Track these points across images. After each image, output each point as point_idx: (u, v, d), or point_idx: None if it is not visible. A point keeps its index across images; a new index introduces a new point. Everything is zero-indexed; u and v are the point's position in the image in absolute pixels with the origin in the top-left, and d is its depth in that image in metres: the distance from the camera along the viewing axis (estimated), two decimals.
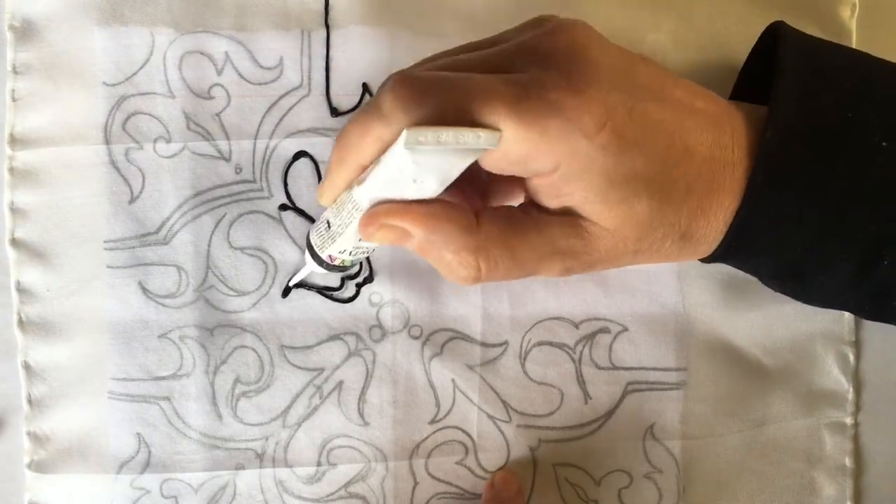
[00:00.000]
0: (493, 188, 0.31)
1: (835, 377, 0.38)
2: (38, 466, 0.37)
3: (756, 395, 0.38)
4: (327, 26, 0.37)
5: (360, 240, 0.29)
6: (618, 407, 0.38)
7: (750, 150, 0.28)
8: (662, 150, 0.27)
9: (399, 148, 0.25)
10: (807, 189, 0.28)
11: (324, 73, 0.37)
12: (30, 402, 0.37)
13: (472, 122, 0.25)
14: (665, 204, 0.28)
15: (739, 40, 0.37)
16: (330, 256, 0.31)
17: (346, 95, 0.37)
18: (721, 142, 0.28)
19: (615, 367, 0.38)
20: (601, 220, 0.28)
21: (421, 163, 0.25)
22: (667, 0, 0.37)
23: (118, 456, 0.37)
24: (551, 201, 0.28)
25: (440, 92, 0.26)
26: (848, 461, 0.38)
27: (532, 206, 0.29)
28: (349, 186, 0.29)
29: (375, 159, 0.27)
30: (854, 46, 0.38)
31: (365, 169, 0.28)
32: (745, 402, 0.38)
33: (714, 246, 0.30)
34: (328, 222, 0.30)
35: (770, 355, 0.38)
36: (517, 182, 0.30)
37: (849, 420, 0.38)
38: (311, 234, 0.32)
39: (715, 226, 0.29)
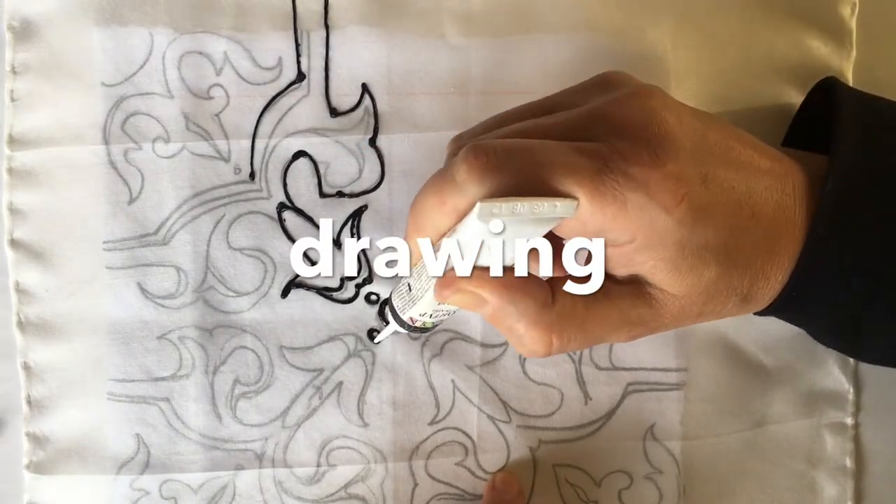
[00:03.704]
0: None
1: (835, 377, 0.38)
2: (37, 467, 0.37)
3: (756, 396, 0.38)
4: (327, 26, 0.37)
5: (439, 304, 0.29)
6: (618, 407, 0.38)
7: (809, 207, 0.28)
8: (732, 217, 0.27)
9: (473, 219, 0.25)
10: (865, 242, 0.28)
11: (323, 73, 0.37)
12: (29, 402, 0.37)
13: (549, 194, 0.25)
14: (731, 270, 0.28)
15: (740, 39, 0.37)
16: (411, 318, 0.31)
17: (345, 96, 0.37)
18: (784, 203, 0.28)
19: (615, 368, 0.38)
20: (670, 288, 0.28)
21: (496, 233, 0.25)
22: (667, 0, 0.37)
23: (117, 457, 0.37)
24: (621, 269, 0.28)
25: (516, 163, 0.25)
26: (848, 461, 0.38)
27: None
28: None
29: (453, 227, 0.27)
30: (854, 46, 0.38)
31: (442, 236, 0.28)
32: (746, 403, 0.38)
33: (770, 301, 0.30)
34: (409, 285, 0.30)
35: (770, 355, 0.38)
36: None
37: (849, 420, 0.38)
38: (392, 295, 0.32)
39: (774, 286, 0.29)
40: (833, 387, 0.38)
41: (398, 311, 0.31)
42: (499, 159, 0.25)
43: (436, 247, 0.28)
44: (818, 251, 0.28)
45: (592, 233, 0.26)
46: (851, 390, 0.38)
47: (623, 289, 0.28)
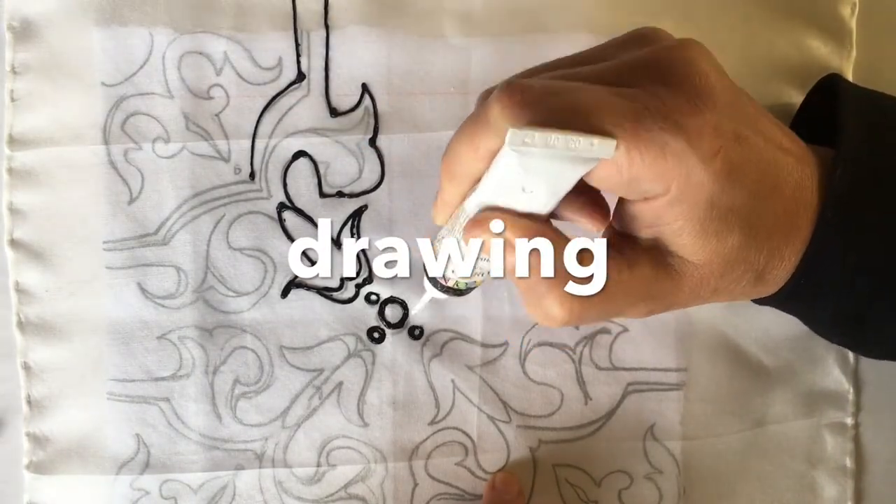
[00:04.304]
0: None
1: (835, 377, 0.38)
2: (37, 467, 0.37)
3: (756, 396, 0.38)
4: (327, 27, 0.37)
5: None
6: (618, 407, 0.38)
7: (821, 195, 0.28)
8: (758, 183, 0.27)
9: (505, 150, 0.24)
10: (874, 230, 0.28)
11: (323, 73, 0.37)
12: (29, 402, 0.37)
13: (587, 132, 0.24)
14: (752, 240, 0.27)
15: (740, 39, 0.37)
16: (445, 276, 0.29)
17: (345, 96, 0.37)
18: (802, 183, 0.28)
19: (615, 368, 0.38)
20: (692, 254, 0.27)
21: (529, 168, 0.24)
22: (667, 0, 0.37)
23: (117, 457, 0.37)
24: (646, 230, 0.28)
25: (552, 101, 0.24)
26: (849, 461, 0.38)
27: (621, 241, 0.28)
28: (461, 204, 0.28)
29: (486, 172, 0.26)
30: (854, 45, 0.38)
31: (476, 182, 0.27)
32: (746, 403, 0.38)
33: (780, 285, 0.30)
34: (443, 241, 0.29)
35: (770, 355, 0.38)
36: (600, 213, 0.29)
37: (849, 420, 0.38)
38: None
39: (787, 267, 0.29)
40: (833, 387, 0.38)
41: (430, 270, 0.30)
42: (535, 96, 0.24)
43: (468, 193, 0.27)
44: (827, 238, 0.28)
45: (627, 180, 0.25)
46: (851, 390, 0.38)
47: (644, 258, 0.28)
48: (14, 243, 0.37)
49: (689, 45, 0.27)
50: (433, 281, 0.30)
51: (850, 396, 0.38)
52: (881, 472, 0.39)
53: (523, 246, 0.26)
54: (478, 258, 0.28)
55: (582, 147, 0.23)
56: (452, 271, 0.29)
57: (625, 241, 0.28)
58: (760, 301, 0.32)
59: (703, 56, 0.27)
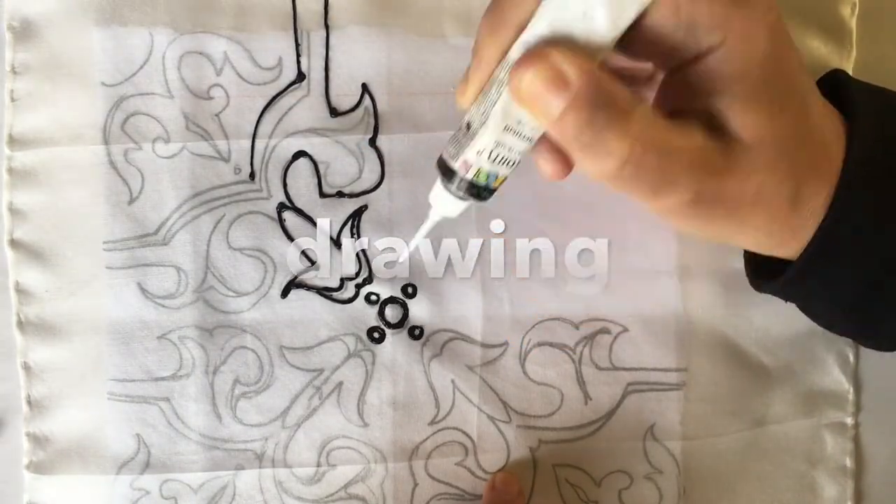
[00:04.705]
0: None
1: (835, 377, 0.38)
2: (37, 467, 0.37)
3: (756, 396, 0.38)
4: (327, 26, 0.37)
5: (505, 129, 0.25)
6: (618, 407, 0.38)
7: (843, 155, 0.28)
8: (798, 76, 0.27)
9: None
10: (891, 199, 0.28)
11: (323, 73, 0.37)
12: (29, 402, 0.37)
13: None
14: (793, 134, 0.27)
15: None
16: (465, 162, 0.26)
17: (345, 96, 0.37)
18: (829, 139, 0.28)
19: (615, 368, 0.38)
20: (742, 128, 0.26)
21: None
22: None
23: (118, 457, 0.37)
24: (698, 99, 0.27)
25: None
26: (848, 461, 0.38)
27: (675, 117, 0.27)
28: (500, 62, 0.25)
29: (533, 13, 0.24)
30: (854, 46, 0.38)
31: (519, 34, 0.25)
32: (746, 403, 0.38)
33: (794, 254, 0.29)
34: (468, 124, 0.26)
35: (770, 355, 0.38)
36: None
37: (849, 420, 0.38)
38: (445, 148, 0.27)
39: (814, 208, 0.28)
40: (833, 387, 0.38)
41: (449, 160, 0.26)
42: None
43: (503, 63, 0.25)
44: (847, 200, 0.28)
45: (684, 25, 0.25)
46: (851, 390, 0.38)
47: (697, 127, 0.27)
48: (14, 243, 0.37)
49: None
50: (448, 176, 0.27)
51: (850, 396, 0.38)
52: (881, 472, 0.39)
53: (581, 80, 0.24)
54: (509, 130, 0.25)
55: None
56: (479, 153, 0.26)
57: (676, 116, 0.27)
58: (767, 289, 0.31)
59: None
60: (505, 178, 0.27)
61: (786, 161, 0.27)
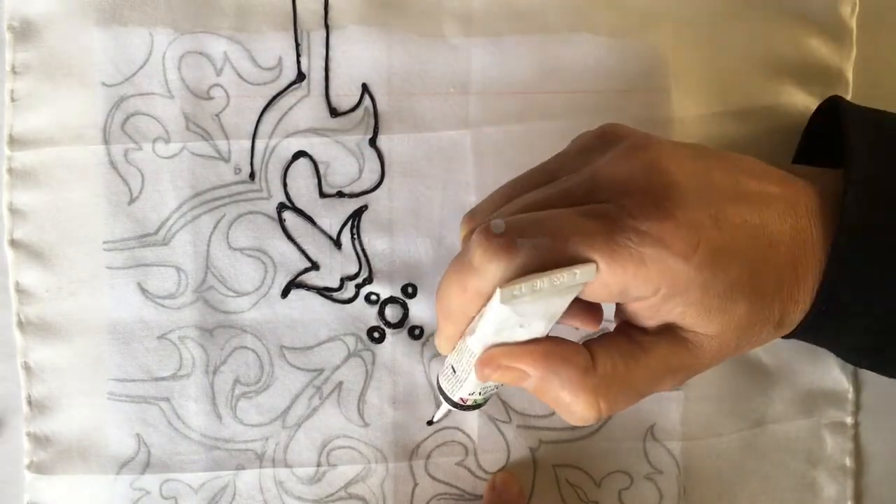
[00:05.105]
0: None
1: (835, 377, 0.38)
2: (37, 467, 0.37)
3: (756, 395, 0.38)
4: (327, 26, 0.37)
5: (485, 382, 0.29)
6: None
7: (825, 224, 0.28)
8: (751, 251, 0.27)
9: (496, 304, 0.25)
10: (890, 249, 0.28)
11: (323, 73, 0.37)
12: (29, 402, 0.37)
13: (567, 263, 0.25)
14: (760, 301, 0.28)
15: (740, 39, 0.37)
16: (462, 399, 0.31)
17: (345, 96, 0.37)
18: (800, 225, 0.28)
19: None
20: (703, 329, 0.28)
21: (522, 313, 0.26)
22: (667, 0, 0.37)
23: (118, 457, 0.37)
24: (650, 321, 0.28)
25: (528, 239, 0.26)
26: (848, 461, 0.38)
27: (632, 328, 0.29)
28: (463, 335, 0.29)
29: (480, 310, 0.27)
30: (854, 45, 0.38)
31: (472, 318, 0.28)
32: (746, 402, 0.38)
33: (801, 322, 0.30)
34: (452, 368, 0.30)
35: (770, 355, 0.38)
36: (593, 315, 0.30)
37: (849, 420, 0.38)
38: (440, 379, 0.31)
39: (804, 307, 0.29)
40: (833, 386, 0.38)
41: (448, 393, 0.31)
42: (511, 237, 0.26)
43: (468, 329, 0.28)
44: (844, 260, 0.28)
45: (616, 292, 0.26)
46: (851, 390, 0.38)
47: (659, 339, 0.28)
48: (14, 243, 0.37)
49: (645, 144, 0.28)
50: (452, 402, 0.31)
51: (850, 396, 0.38)
52: (881, 471, 0.39)
53: (536, 371, 0.27)
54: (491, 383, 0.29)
55: (566, 280, 0.25)
56: (470, 394, 0.30)
57: (635, 328, 0.29)
58: (787, 336, 0.32)
59: (661, 153, 0.27)
60: (499, 388, 0.31)
61: (756, 324, 0.28)
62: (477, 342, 0.28)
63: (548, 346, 0.27)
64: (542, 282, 0.25)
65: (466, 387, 0.30)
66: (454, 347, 0.30)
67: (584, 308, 0.29)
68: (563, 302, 0.26)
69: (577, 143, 0.30)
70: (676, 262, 0.26)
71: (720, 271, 0.26)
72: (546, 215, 0.26)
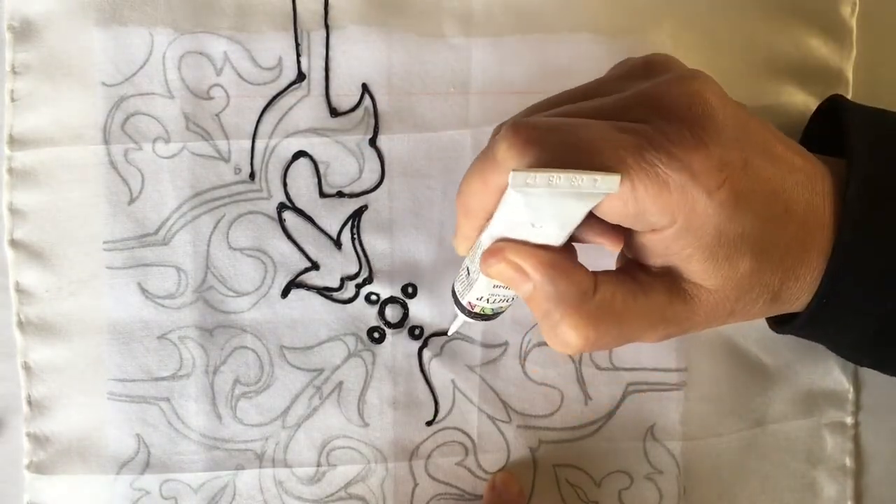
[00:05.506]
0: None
1: (835, 377, 0.38)
2: (37, 467, 0.37)
3: (756, 395, 0.38)
4: (327, 26, 0.37)
5: (494, 287, 0.29)
6: (618, 408, 0.38)
7: (835, 209, 0.28)
8: (767, 208, 0.27)
9: (509, 190, 0.24)
10: (893, 245, 0.28)
11: (323, 73, 0.37)
12: (29, 402, 0.37)
13: (591, 169, 0.24)
14: (764, 264, 0.28)
15: (740, 39, 0.37)
16: (470, 304, 0.30)
17: (345, 96, 0.37)
18: (815, 202, 0.28)
19: (615, 368, 0.38)
20: (704, 280, 0.28)
21: (535, 206, 0.25)
22: (667, 0, 0.37)
23: (118, 456, 0.37)
24: (656, 259, 0.28)
25: (557, 138, 0.25)
26: (848, 461, 0.38)
27: (635, 268, 0.29)
28: (480, 234, 0.29)
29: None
30: (854, 44, 0.38)
31: (491, 216, 0.28)
32: (746, 402, 0.38)
33: (800, 306, 0.30)
34: (467, 269, 0.30)
35: (770, 355, 0.38)
36: (615, 234, 0.29)
37: (849, 420, 0.38)
38: (455, 283, 0.31)
39: (803, 287, 0.29)
40: (833, 386, 0.38)
41: (459, 296, 0.30)
42: (539, 134, 0.25)
43: (485, 226, 0.28)
44: (848, 255, 0.28)
45: (633, 214, 0.26)
46: (851, 390, 0.38)
47: (658, 284, 0.28)
48: (14, 243, 0.37)
49: (694, 76, 0.27)
50: (460, 308, 0.31)
51: (850, 396, 0.38)
52: (881, 471, 0.39)
53: (537, 275, 0.27)
54: (498, 286, 0.29)
55: (585, 184, 0.24)
56: (478, 299, 0.30)
57: (638, 267, 0.29)
58: (782, 330, 0.32)
59: (708, 88, 0.27)
60: (508, 306, 0.31)
61: (756, 287, 0.28)
62: (488, 237, 0.27)
63: (555, 256, 0.27)
64: (560, 178, 0.24)
65: (476, 289, 0.29)
66: (470, 249, 0.29)
67: (605, 227, 0.29)
68: (580, 209, 0.25)
69: (620, 67, 0.30)
70: (699, 194, 0.25)
71: (737, 217, 0.26)
72: (579, 121, 0.26)
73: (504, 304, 0.30)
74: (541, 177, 0.24)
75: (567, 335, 0.28)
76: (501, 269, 0.27)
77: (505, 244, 0.27)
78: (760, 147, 0.27)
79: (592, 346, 0.28)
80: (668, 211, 0.26)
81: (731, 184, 0.26)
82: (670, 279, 0.28)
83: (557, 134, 0.25)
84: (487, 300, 0.30)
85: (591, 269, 0.28)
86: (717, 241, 0.26)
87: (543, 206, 0.25)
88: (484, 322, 0.31)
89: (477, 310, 0.30)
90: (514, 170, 0.24)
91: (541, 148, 0.25)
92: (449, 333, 0.33)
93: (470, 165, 0.27)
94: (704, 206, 0.26)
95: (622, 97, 0.28)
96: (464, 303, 0.30)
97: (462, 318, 0.31)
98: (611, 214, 0.26)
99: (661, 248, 0.27)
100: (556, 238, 0.26)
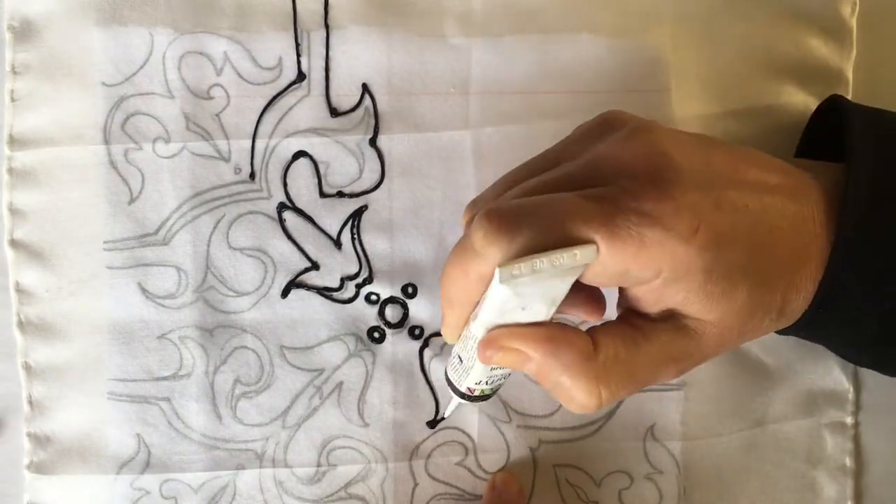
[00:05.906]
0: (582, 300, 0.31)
1: (835, 377, 0.38)
2: (37, 467, 0.37)
3: (756, 395, 0.38)
4: (327, 26, 0.37)
5: (492, 370, 0.29)
6: (618, 407, 0.38)
7: (828, 215, 0.28)
8: (751, 236, 0.27)
9: (496, 284, 0.25)
10: (892, 247, 0.28)
11: (323, 73, 0.37)
12: (30, 402, 0.37)
13: (568, 245, 0.25)
14: (761, 287, 0.28)
15: (740, 39, 0.37)
16: (469, 389, 0.31)
17: (345, 96, 0.37)
18: (802, 214, 0.28)
19: None
20: (705, 316, 0.28)
21: (522, 293, 0.26)
22: (667, 0, 0.37)
23: (118, 456, 0.37)
24: (653, 307, 0.28)
25: (528, 220, 0.26)
26: (848, 461, 0.38)
27: (634, 315, 0.29)
28: (467, 322, 0.29)
29: (482, 295, 0.27)
30: (854, 45, 0.38)
31: (476, 304, 0.28)
32: (746, 402, 0.38)
33: (803, 313, 0.30)
34: (459, 357, 0.30)
35: (770, 355, 0.38)
36: (594, 305, 0.30)
37: (849, 420, 0.38)
38: (448, 370, 0.31)
39: (806, 296, 0.29)
40: (833, 386, 0.38)
41: (455, 384, 0.31)
42: (511, 220, 0.26)
43: (472, 315, 0.28)
44: (848, 255, 0.28)
45: (617, 274, 0.26)
46: (851, 390, 0.38)
47: (660, 326, 0.28)
48: (14, 243, 0.37)
49: (648, 129, 0.28)
50: (459, 394, 0.31)
51: (850, 396, 0.38)
52: (881, 471, 0.39)
53: (537, 354, 0.27)
54: (495, 368, 0.29)
55: (566, 260, 0.25)
56: (477, 383, 0.30)
57: (637, 314, 0.29)
58: (782, 331, 0.32)
59: (662, 137, 0.27)
60: (506, 380, 0.31)
61: (758, 310, 0.28)
62: (479, 326, 0.28)
63: (550, 330, 0.27)
64: (542, 262, 0.25)
65: (473, 375, 0.30)
66: (460, 336, 0.30)
67: (587, 298, 0.29)
68: (565, 284, 0.26)
69: (578, 130, 0.30)
70: (677, 244, 0.26)
71: (721, 255, 0.26)
72: (546, 198, 0.26)
73: (502, 381, 0.31)
74: (525, 266, 0.25)
75: (582, 399, 0.28)
76: (501, 357, 0.28)
77: (498, 333, 0.27)
78: (728, 179, 0.27)
79: (609, 401, 0.28)
80: (651, 266, 0.26)
81: (707, 226, 0.26)
82: (672, 320, 0.28)
83: (528, 217, 0.26)
84: (486, 382, 0.30)
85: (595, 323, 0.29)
86: (709, 279, 0.27)
87: (530, 290, 0.26)
88: (483, 401, 0.32)
89: (477, 393, 0.31)
90: (499, 266, 0.25)
91: (516, 233, 0.25)
92: (445, 416, 0.34)
93: (449, 255, 0.28)
94: (684, 254, 0.26)
95: (582, 163, 0.28)
96: (462, 389, 0.31)
97: (457, 401, 0.32)
98: (596, 280, 0.27)
99: (655, 297, 0.28)
100: (545, 314, 0.27)
